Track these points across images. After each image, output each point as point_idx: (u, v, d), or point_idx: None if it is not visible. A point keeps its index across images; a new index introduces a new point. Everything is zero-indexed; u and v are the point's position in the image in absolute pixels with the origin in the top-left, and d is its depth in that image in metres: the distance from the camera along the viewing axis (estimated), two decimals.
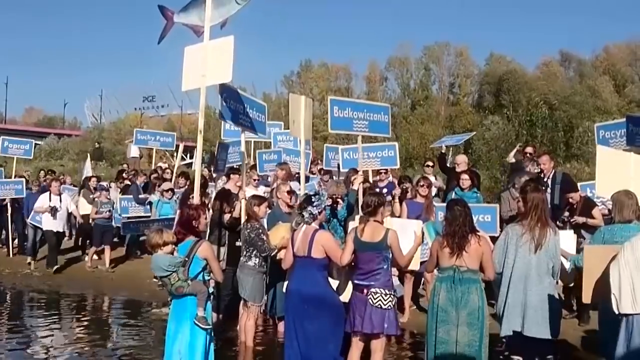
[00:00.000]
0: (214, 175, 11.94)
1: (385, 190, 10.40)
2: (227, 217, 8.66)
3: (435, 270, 6.42)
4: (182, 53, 8.16)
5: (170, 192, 12.59)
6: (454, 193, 10.26)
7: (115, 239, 14.37)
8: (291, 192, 8.70)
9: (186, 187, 11.89)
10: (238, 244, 8.49)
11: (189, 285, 5.83)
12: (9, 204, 14.58)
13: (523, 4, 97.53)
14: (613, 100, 28.22)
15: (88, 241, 14.59)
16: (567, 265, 6.64)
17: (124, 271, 13.18)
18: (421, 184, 9.61)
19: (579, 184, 10.19)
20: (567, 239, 7.23)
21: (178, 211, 9.36)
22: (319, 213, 6.49)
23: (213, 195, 9.56)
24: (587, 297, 5.57)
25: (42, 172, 18.57)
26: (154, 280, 12.04)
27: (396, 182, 10.92)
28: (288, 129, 13.44)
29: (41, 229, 13.78)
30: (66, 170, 23.73)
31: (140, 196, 13.85)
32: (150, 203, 13.17)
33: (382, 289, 6.02)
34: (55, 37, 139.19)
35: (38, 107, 77.26)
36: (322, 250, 6.23)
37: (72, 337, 8.77)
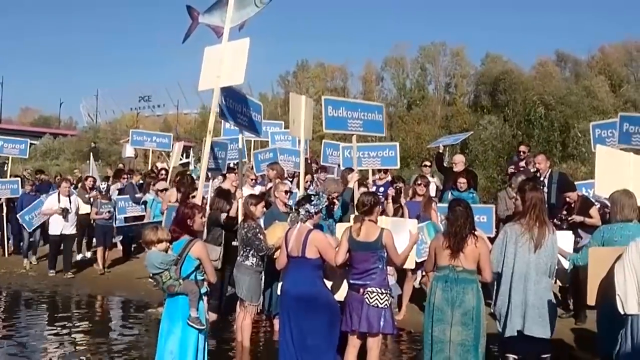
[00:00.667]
0: (209, 174, 11.96)
1: (382, 190, 10.40)
2: (223, 215, 8.65)
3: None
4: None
5: (165, 191, 12.55)
6: (450, 194, 10.27)
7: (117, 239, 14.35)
8: (289, 192, 8.68)
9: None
10: (234, 243, 8.48)
11: (180, 284, 5.81)
12: (4, 204, 14.54)
13: (519, 4, 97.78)
14: (609, 100, 28.24)
15: (85, 241, 14.63)
16: (566, 264, 6.63)
17: (120, 270, 13.16)
18: (418, 182, 9.62)
19: (575, 183, 10.22)
20: (564, 239, 7.22)
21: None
22: (315, 213, 6.48)
23: (208, 195, 9.51)
24: (592, 299, 5.55)
25: (26, 172, 18.52)
26: (150, 279, 12.06)
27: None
28: (287, 128, 13.46)
29: (37, 228, 13.75)
30: (62, 170, 23.65)
31: (136, 195, 13.84)
32: (145, 202, 13.14)
33: (378, 288, 6.02)
34: (51, 37, 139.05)
35: (34, 107, 76.95)
36: (316, 251, 6.22)
37: (67, 337, 8.74)
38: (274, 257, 7.29)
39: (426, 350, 6.00)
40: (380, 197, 9.64)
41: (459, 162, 11.57)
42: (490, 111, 30.29)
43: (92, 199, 13.54)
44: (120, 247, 14.38)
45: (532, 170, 10.45)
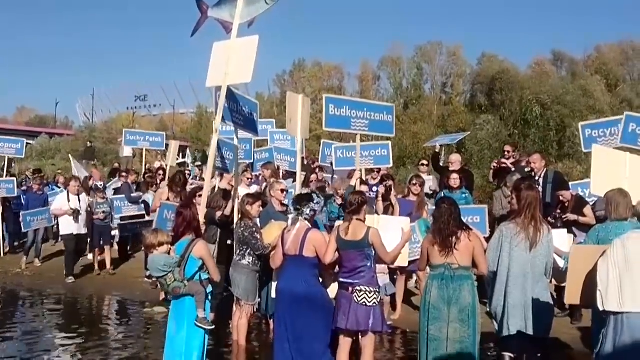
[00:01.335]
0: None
1: (375, 189, 10.40)
2: (218, 214, 8.64)
3: (427, 268, 6.42)
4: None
5: None
6: (442, 194, 10.28)
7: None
8: (285, 191, 8.68)
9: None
10: (229, 242, 8.48)
11: (186, 285, 5.80)
12: None
13: (515, 3, 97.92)
14: (605, 99, 28.23)
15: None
16: (562, 264, 6.64)
17: (116, 270, 13.11)
18: (414, 182, 9.62)
19: (570, 183, 10.24)
20: (561, 238, 7.24)
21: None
22: (318, 212, 6.53)
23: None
24: (570, 298, 5.60)
25: (28, 171, 18.50)
26: (146, 279, 12.05)
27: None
28: (281, 127, 13.44)
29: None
30: (57, 170, 23.58)
31: (132, 195, 13.80)
32: (145, 202, 13.07)
33: (366, 287, 6.04)
34: (47, 37, 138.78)
35: (30, 106, 76.75)
36: (314, 250, 6.23)
37: (63, 336, 8.75)
38: (270, 256, 7.30)
39: (422, 349, 6.01)
40: (373, 196, 9.67)
41: (455, 161, 11.58)
42: (487, 111, 30.22)
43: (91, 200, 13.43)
44: (116, 247, 14.32)
45: (526, 169, 10.48)
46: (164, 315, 9.41)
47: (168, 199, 9.87)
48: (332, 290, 6.47)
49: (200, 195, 8.33)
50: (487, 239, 6.99)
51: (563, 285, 8.25)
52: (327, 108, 9.00)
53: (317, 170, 12.76)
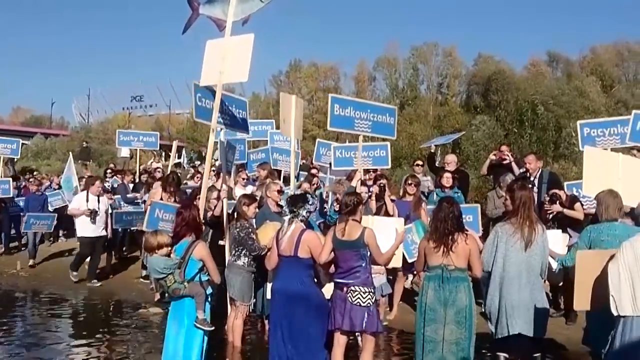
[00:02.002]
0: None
1: (370, 189, 10.40)
2: (208, 214, 8.63)
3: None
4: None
5: None
6: (435, 194, 10.29)
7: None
8: (281, 192, 8.68)
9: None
10: (221, 242, 8.48)
11: (186, 287, 5.81)
12: None
13: (510, 4, 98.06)
14: (600, 100, 28.30)
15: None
16: (555, 265, 6.68)
17: (113, 271, 13.08)
18: (409, 182, 9.62)
19: (565, 184, 10.27)
20: (556, 239, 7.26)
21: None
22: (313, 212, 6.54)
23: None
24: (579, 304, 5.49)
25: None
26: (142, 279, 12.06)
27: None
28: (278, 128, 13.45)
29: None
30: (53, 171, 23.57)
31: (128, 195, 13.78)
32: (145, 202, 12.93)
33: (360, 287, 6.03)
34: (43, 36, 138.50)
35: (25, 106, 76.50)
36: (308, 250, 6.22)
37: (57, 337, 8.73)
38: (266, 257, 7.30)
39: (418, 350, 6.02)
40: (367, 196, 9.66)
41: (451, 162, 11.59)
42: (483, 111, 30.26)
43: None
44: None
45: (520, 169, 10.53)
46: (159, 316, 9.43)
47: (161, 199, 9.85)
48: (328, 290, 6.48)
49: (199, 197, 8.35)
50: (480, 238, 7.02)
51: (559, 285, 8.39)
52: (332, 108, 9.00)
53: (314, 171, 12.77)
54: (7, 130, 42.53)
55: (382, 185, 9.44)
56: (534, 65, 36.73)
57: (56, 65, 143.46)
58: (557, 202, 8.94)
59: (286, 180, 11.22)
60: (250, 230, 7.65)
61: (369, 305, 6.03)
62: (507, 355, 6.49)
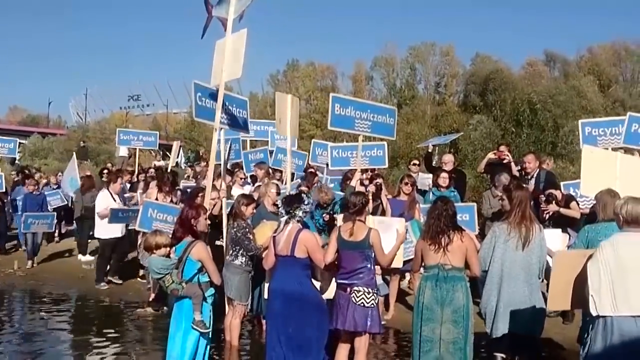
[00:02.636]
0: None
1: (367, 189, 10.39)
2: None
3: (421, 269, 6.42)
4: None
5: None
6: (431, 193, 10.29)
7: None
8: (278, 192, 8.67)
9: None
10: (218, 242, 8.46)
11: (183, 287, 5.79)
12: None
13: (508, 4, 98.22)
14: (598, 100, 28.36)
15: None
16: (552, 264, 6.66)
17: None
18: (405, 181, 9.62)
19: (562, 184, 10.27)
20: (555, 238, 7.26)
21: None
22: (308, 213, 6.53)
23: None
24: (554, 304, 5.50)
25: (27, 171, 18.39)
26: (139, 279, 12.04)
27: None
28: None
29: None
30: (50, 170, 23.52)
31: (125, 195, 13.73)
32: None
33: (364, 288, 6.03)
34: (40, 36, 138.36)
35: (22, 106, 76.47)
36: (305, 250, 6.21)
37: (54, 337, 8.71)
38: (263, 256, 7.29)
39: (415, 350, 6.02)
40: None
41: (448, 161, 11.58)
42: (480, 111, 30.33)
43: None
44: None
45: (516, 169, 10.54)
46: (155, 316, 9.42)
47: (156, 199, 9.82)
48: (330, 290, 6.47)
49: (202, 196, 8.33)
50: (476, 237, 7.03)
51: None
52: (333, 107, 8.99)
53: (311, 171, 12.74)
54: (4, 129, 42.59)
55: (378, 184, 9.44)
56: (531, 65, 36.80)
57: (53, 64, 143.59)
58: (553, 201, 8.94)
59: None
60: (247, 230, 7.63)
61: (372, 306, 6.03)
62: (504, 355, 6.50)
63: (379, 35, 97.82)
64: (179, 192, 10.73)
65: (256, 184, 10.91)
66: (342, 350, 6.25)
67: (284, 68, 45.52)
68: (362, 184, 9.45)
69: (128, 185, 14.63)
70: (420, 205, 9.69)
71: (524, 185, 6.98)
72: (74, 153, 19.22)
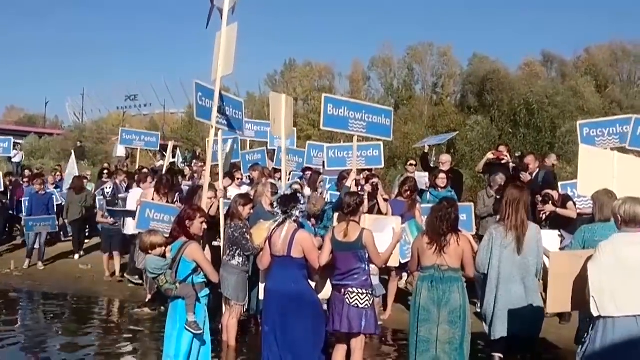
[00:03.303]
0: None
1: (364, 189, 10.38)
2: None
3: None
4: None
5: None
6: (429, 193, 10.29)
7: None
8: (275, 192, 8.65)
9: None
10: (215, 243, 8.44)
11: (177, 288, 5.77)
12: None
13: (505, 4, 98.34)
14: (595, 100, 28.42)
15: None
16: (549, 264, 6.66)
17: (104, 270, 13.02)
18: (405, 188, 9.59)
19: (560, 184, 10.29)
20: (550, 239, 7.26)
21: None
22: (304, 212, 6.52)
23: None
24: (554, 306, 5.49)
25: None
26: (126, 275, 12.01)
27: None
28: None
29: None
30: (47, 170, 23.48)
31: (120, 195, 13.68)
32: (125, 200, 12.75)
33: (358, 289, 6.02)
34: (37, 35, 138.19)
35: (19, 105, 76.32)
36: (301, 250, 6.20)
37: (50, 336, 8.69)
38: (258, 257, 7.27)
39: (411, 350, 6.01)
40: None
41: (445, 161, 11.60)
42: (477, 111, 30.38)
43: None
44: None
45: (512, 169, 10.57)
46: (151, 317, 9.41)
47: (153, 199, 9.80)
48: (326, 292, 6.46)
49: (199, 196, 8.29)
50: (473, 237, 7.02)
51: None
52: (326, 107, 8.98)
53: (307, 172, 12.73)
54: (1, 129, 42.43)
55: (374, 184, 9.43)
56: (528, 65, 36.87)
57: (50, 64, 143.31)
58: (550, 202, 8.95)
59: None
60: (244, 230, 7.63)
61: (366, 307, 6.02)
62: (502, 356, 6.50)
63: (377, 35, 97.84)
64: (176, 194, 10.67)
65: (253, 185, 10.89)
66: (339, 351, 6.24)
67: (281, 68, 45.56)
68: (358, 184, 9.44)
69: (124, 185, 14.58)
70: (420, 205, 9.69)
71: (520, 186, 6.93)
72: (72, 152, 19.22)
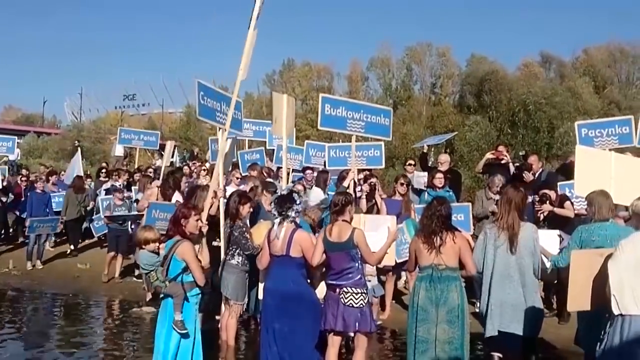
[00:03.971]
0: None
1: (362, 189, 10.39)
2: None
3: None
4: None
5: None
6: (426, 193, 10.32)
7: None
8: (274, 192, 8.66)
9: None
10: (215, 243, 8.43)
11: (166, 285, 5.78)
12: None
13: (503, 5, 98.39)
14: (593, 101, 28.43)
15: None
16: (548, 264, 6.70)
17: (102, 269, 13.00)
18: (401, 182, 9.64)
19: (558, 184, 10.30)
20: (549, 239, 7.28)
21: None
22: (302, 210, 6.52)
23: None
24: (574, 305, 5.52)
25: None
26: (134, 279, 12.03)
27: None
28: None
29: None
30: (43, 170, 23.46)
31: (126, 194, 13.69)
32: (137, 201, 12.79)
33: (352, 288, 6.03)
34: (34, 34, 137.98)
35: (17, 105, 76.09)
36: (300, 250, 6.23)
37: (49, 336, 8.70)
38: (257, 257, 7.28)
39: (410, 350, 6.03)
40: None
41: (444, 162, 11.63)
42: (476, 111, 30.38)
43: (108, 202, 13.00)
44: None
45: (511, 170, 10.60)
46: (151, 315, 9.41)
47: (157, 199, 9.81)
48: (321, 291, 6.47)
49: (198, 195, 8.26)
50: (472, 237, 7.04)
51: (552, 284, 8.43)
52: (323, 107, 9.01)
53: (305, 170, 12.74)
54: None
55: (372, 184, 9.44)
56: (527, 66, 36.83)
57: (48, 63, 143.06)
58: (547, 201, 8.98)
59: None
60: (244, 229, 7.64)
61: (361, 306, 6.03)
62: (500, 355, 6.51)
63: (375, 35, 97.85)
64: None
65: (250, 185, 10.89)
66: (332, 350, 6.24)
67: (279, 68, 45.52)
68: (356, 184, 9.45)
69: (123, 184, 14.60)
70: (415, 205, 9.72)
71: (516, 186, 6.95)
72: (79, 149, 19.20)
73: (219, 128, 8.34)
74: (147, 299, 9.91)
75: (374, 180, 9.73)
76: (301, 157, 13.54)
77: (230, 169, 10.39)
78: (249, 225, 7.89)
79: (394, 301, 9.61)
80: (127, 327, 9.21)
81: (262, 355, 6.33)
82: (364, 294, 6.08)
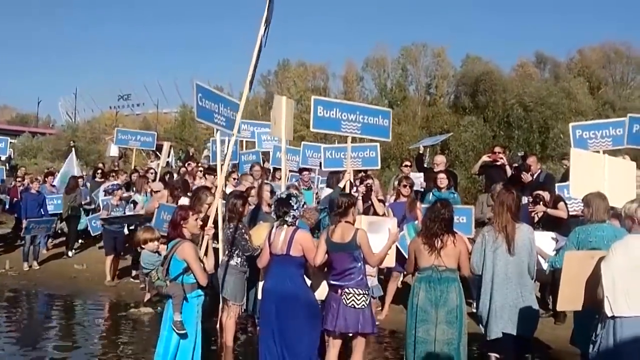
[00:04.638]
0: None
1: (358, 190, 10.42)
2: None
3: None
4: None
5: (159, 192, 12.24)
6: (431, 194, 10.34)
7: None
8: (273, 192, 8.68)
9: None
10: (214, 245, 8.44)
11: (167, 285, 5.80)
12: None
13: (499, 5, 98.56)
14: (587, 102, 28.48)
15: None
16: (545, 265, 6.75)
17: (101, 270, 12.98)
18: (404, 184, 9.67)
19: (556, 185, 10.36)
20: (545, 240, 7.33)
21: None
22: (300, 214, 6.54)
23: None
24: (564, 304, 5.59)
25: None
26: (132, 279, 12.04)
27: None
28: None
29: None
30: (40, 170, 23.42)
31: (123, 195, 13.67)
32: (135, 202, 12.82)
33: (355, 289, 6.06)
34: (29, 34, 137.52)
35: (11, 105, 75.80)
36: (301, 249, 6.24)
37: (47, 337, 8.70)
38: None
39: (409, 351, 6.06)
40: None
41: (440, 162, 11.65)
42: (471, 112, 30.40)
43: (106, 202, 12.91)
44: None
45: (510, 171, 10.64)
46: (149, 316, 9.43)
47: (167, 202, 9.85)
48: (322, 291, 6.50)
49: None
50: (472, 240, 7.07)
51: (548, 285, 8.46)
52: (315, 109, 9.03)
53: (302, 171, 12.77)
54: None
55: (369, 185, 9.46)
56: (521, 66, 36.88)
57: (42, 63, 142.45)
58: (541, 202, 9.02)
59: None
60: (243, 230, 7.65)
61: (363, 307, 6.06)
62: (497, 355, 6.56)
63: (371, 35, 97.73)
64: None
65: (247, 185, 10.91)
66: (333, 350, 6.27)
67: (274, 68, 45.46)
68: (352, 185, 9.47)
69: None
70: (420, 204, 9.72)
71: (511, 189, 6.97)
72: (73, 149, 19.18)
73: (217, 130, 8.32)
74: (145, 300, 9.94)
75: (370, 181, 9.75)
76: (298, 158, 13.55)
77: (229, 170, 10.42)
78: (247, 226, 7.90)
79: (392, 302, 9.61)
80: (124, 328, 9.22)
81: (262, 356, 6.35)
82: (365, 295, 6.11)
